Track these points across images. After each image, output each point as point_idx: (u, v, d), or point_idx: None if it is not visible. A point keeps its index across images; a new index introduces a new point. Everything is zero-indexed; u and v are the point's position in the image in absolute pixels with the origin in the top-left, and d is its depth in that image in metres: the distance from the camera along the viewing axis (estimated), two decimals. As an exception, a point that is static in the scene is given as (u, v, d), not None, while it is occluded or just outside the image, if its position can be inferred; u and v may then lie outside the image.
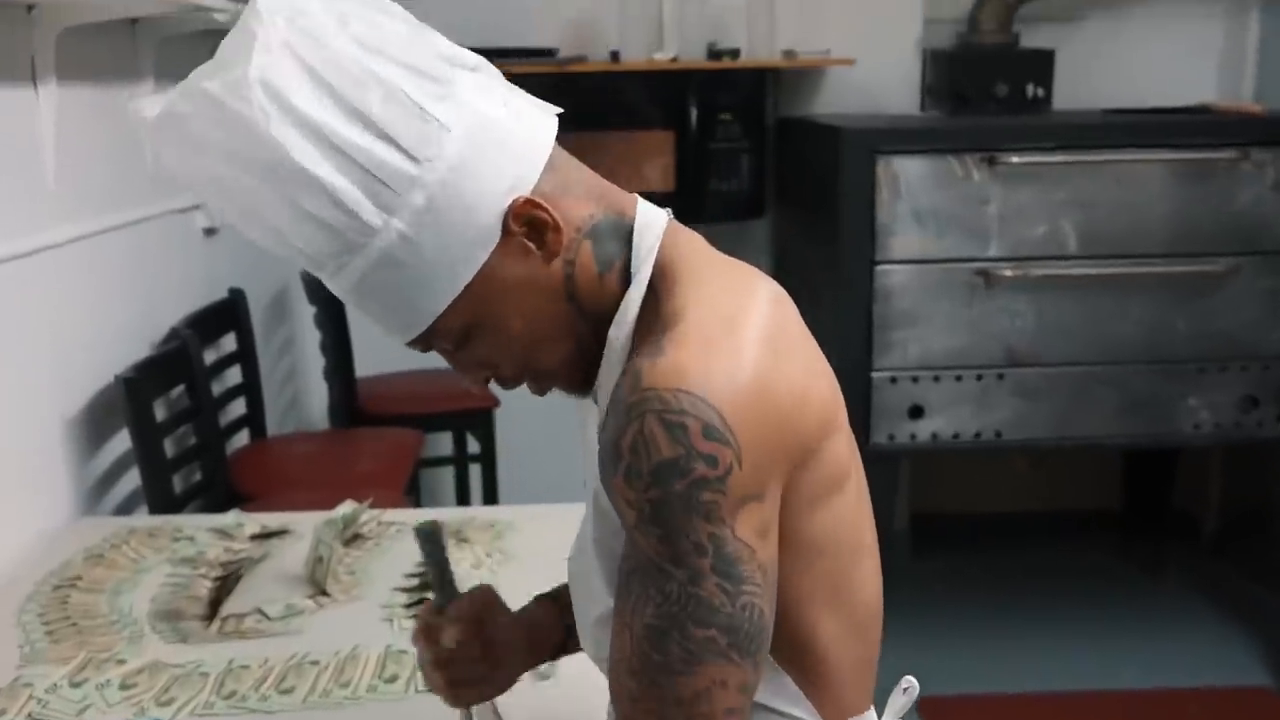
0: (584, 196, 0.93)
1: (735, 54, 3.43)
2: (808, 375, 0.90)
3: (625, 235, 0.94)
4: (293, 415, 3.63)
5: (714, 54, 3.42)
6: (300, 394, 3.69)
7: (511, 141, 0.90)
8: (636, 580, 0.82)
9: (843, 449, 0.93)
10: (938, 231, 2.85)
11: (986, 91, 3.56)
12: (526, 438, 3.76)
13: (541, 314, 0.92)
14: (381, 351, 3.69)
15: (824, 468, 0.89)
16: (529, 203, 0.89)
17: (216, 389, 2.83)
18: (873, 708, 0.99)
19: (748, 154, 3.43)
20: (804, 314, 0.97)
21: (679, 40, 3.48)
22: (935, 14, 3.75)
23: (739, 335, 0.85)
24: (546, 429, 3.72)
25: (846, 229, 2.83)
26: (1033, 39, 3.70)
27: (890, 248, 2.85)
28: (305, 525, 2.01)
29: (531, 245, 0.90)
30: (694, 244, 0.96)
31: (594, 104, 3.36)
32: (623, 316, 0.92)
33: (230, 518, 2.08)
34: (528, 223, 0.89)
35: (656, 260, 0.93)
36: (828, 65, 3.58)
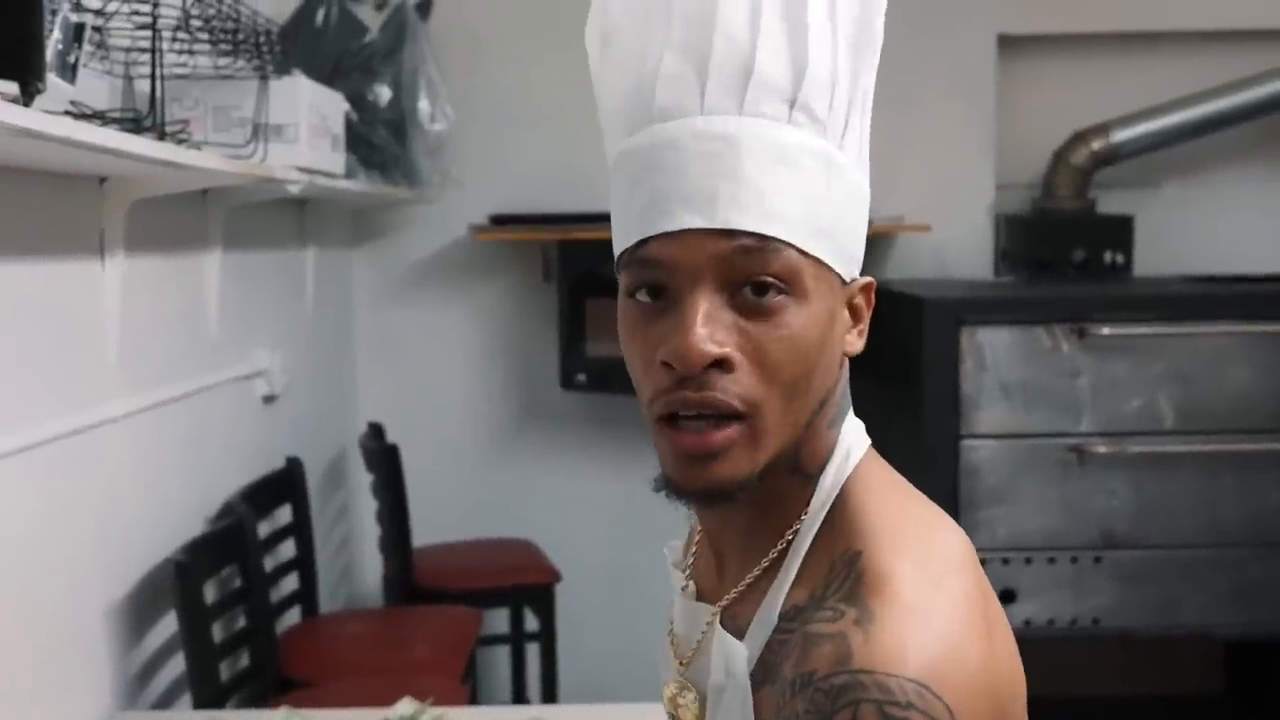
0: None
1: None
2: (1013, 654, 0.78)
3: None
4: (344, 588, 3.49)
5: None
6: (353, 565, 3.56)
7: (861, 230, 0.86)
8: None
9: None
10: (1026, 405, 2.71)
11: (1064, 257, 3.47)
12: (589, 615, 3.60)
13: (815, 381, 0.80)
14: (438, 520, 3.60)
15: None
16: (873, 286, 0.86)
17: (270, 564, 2.72)
18: None
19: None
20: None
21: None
22: (1007, 179, 3.69)
23: (956, 608, 0.74)
24: (609, 607, 3.57)
25: (930, 402, 2.70)
26: (1109, 204, 3.62)
27: (976, 421, 2.71)
28: (361, 723, 1.86)
29: (850, 319, 0.84)
30: (883, 467, 0.86)
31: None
32: (817, 505, 0.81)
33: (280, 715, 1.93)
34: (860, 301, 0.85)
35: (854, 471, 0.83)
36: (902, 231, 3.51)
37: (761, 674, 0.76)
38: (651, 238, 0.78)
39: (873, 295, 0.85)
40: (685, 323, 0.76)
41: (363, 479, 3.29)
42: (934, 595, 0.73)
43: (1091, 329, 2.69)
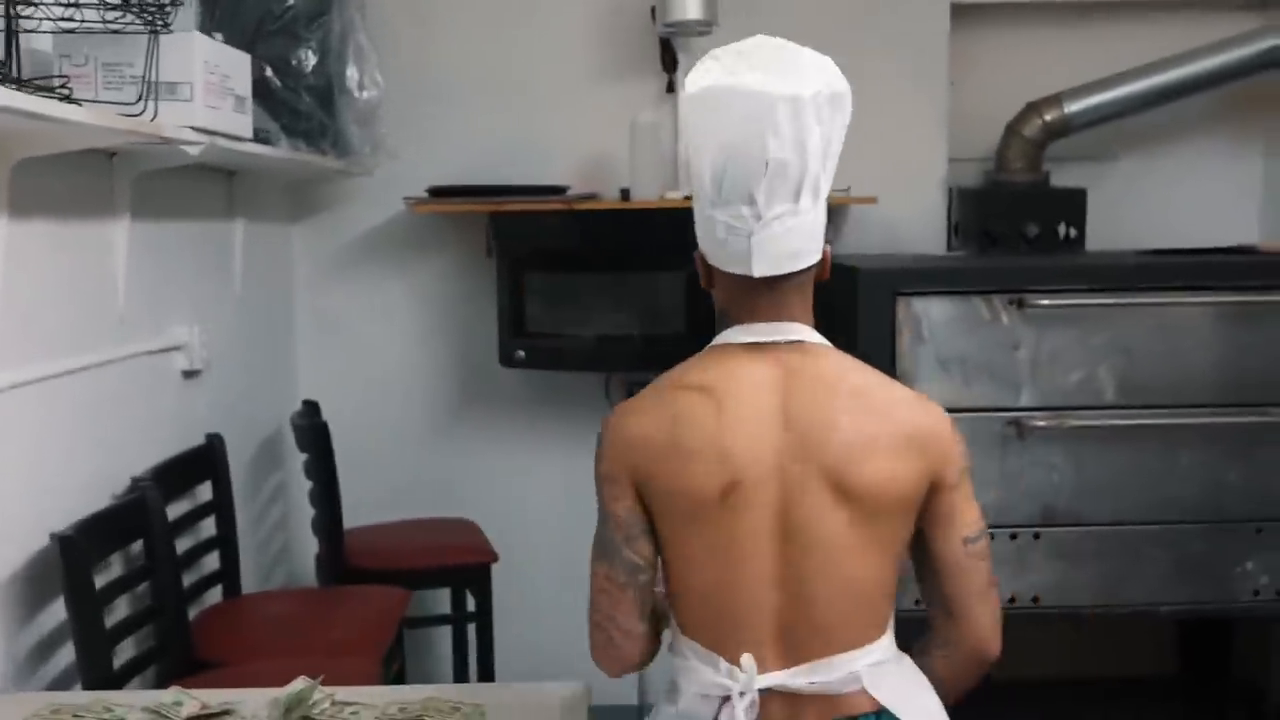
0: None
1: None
2: (667, 438, 1.41)
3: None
4: (282, 568, 3.42)
5: (727, 192, 3.28)
6: (290, 546, 3.48)
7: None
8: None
9: (681, 494, 1.41)
10: (965, 378, 2.64)
11: (1017, 231, 3.40)
12: (530, 595, 3.53)
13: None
14: (377, 499, 3.52)
15: (664, 494, 1.42)
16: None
17: (189, 543, 2.64)
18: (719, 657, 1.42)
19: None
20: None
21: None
22: (960, 152, 3.61)
23: (642, 405, 1.46)
24: (551, 586, 3.50)
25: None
26: (1063, 178, 3.55)
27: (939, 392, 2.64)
28: (253, 704, 1.79)
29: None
30: (713, 358, 1.48)
31: (603, 244, 3.22)
32: None
33: (169, 695, 1.85)
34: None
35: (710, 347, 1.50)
36: (848, 204, 3.44)
37: None
38: None
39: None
40: None
41: (299, 459, 3.22)
42: (650, 392, 1.47)
43: (1030, 300, 2.62)
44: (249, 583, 2.95)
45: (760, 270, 1.41)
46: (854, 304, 2.63)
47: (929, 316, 2.63)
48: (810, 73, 1.39)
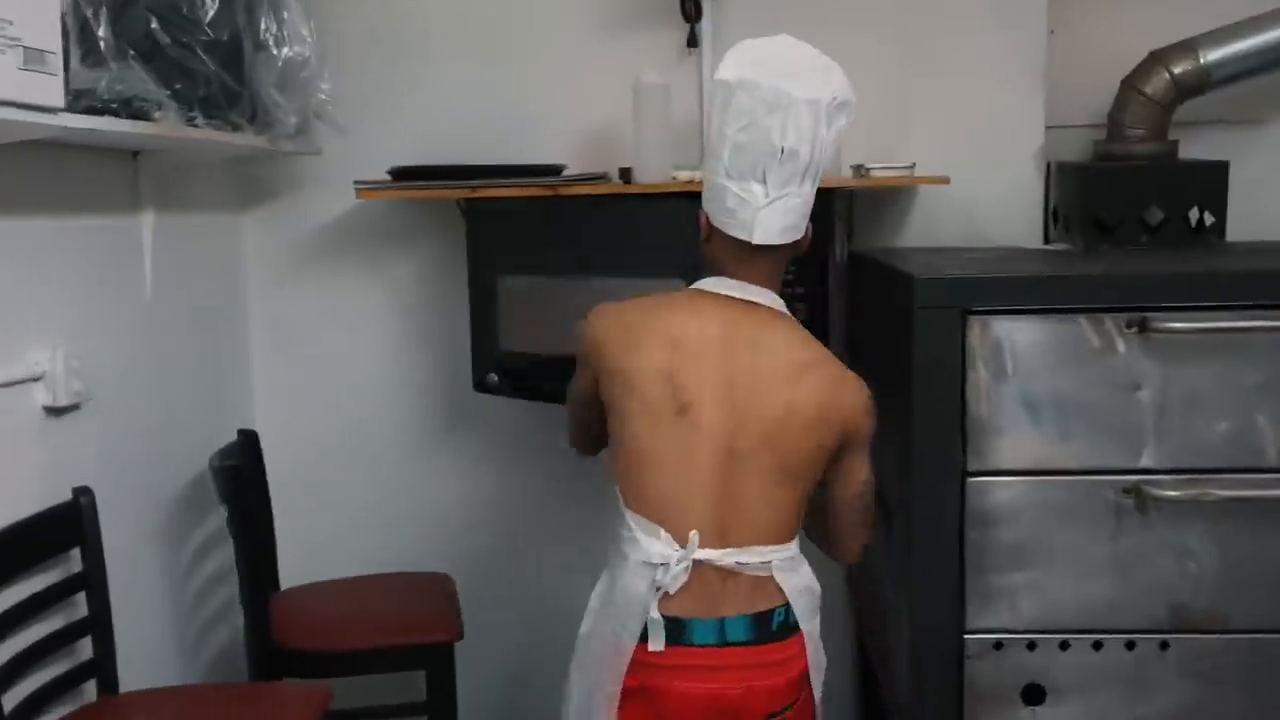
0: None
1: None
2: (625, 345, 1.78)
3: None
4: (210, 649, 2.78)
5: (756, 171, 2.57)
6: (228, 618, 2.84)
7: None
8: None
9: (621, 385, 1.78)
10: (1063, 430, 1.92)
11: (1136, 218, 2.64)
12: (502, 671, 2.90)
13: None
14: (329, 550, 2.92)
15: (623, 388, 1.78)
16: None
17: (44, 629, 2.06)
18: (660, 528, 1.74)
19: (804, 302, 2.55)
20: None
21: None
22: (1060, 118, 2.86)
23: (622, 312, 1.83)
24: (534, 659, 2.86)
25: (923, 422, 1.92)
26: (1196, 148, 2.78)
27: (990, 452, 1.93)
28: None
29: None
30: (689, 295, 1.85)
31: (601, 239, 2.55)
32: None
33: None
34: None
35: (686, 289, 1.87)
36: (913, 185, 2.71)
37: None
38: None
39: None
40: None
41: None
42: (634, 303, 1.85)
43: (1158, 320, 1.87)
44: (154, 672, 2.37)
45: (760, 238, 1.74)
46: (909, 324, 1.92)
47: (1013, 343, 1.90)
48: (829, 80, 1.74)
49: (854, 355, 2.73)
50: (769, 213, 1.71)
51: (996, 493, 1.93)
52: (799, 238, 1.78)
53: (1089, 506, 1.91)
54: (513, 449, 2.95)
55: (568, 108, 2.82)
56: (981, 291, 1.92)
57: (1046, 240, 2.84)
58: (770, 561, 1.73)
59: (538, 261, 2.57)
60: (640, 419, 1.73)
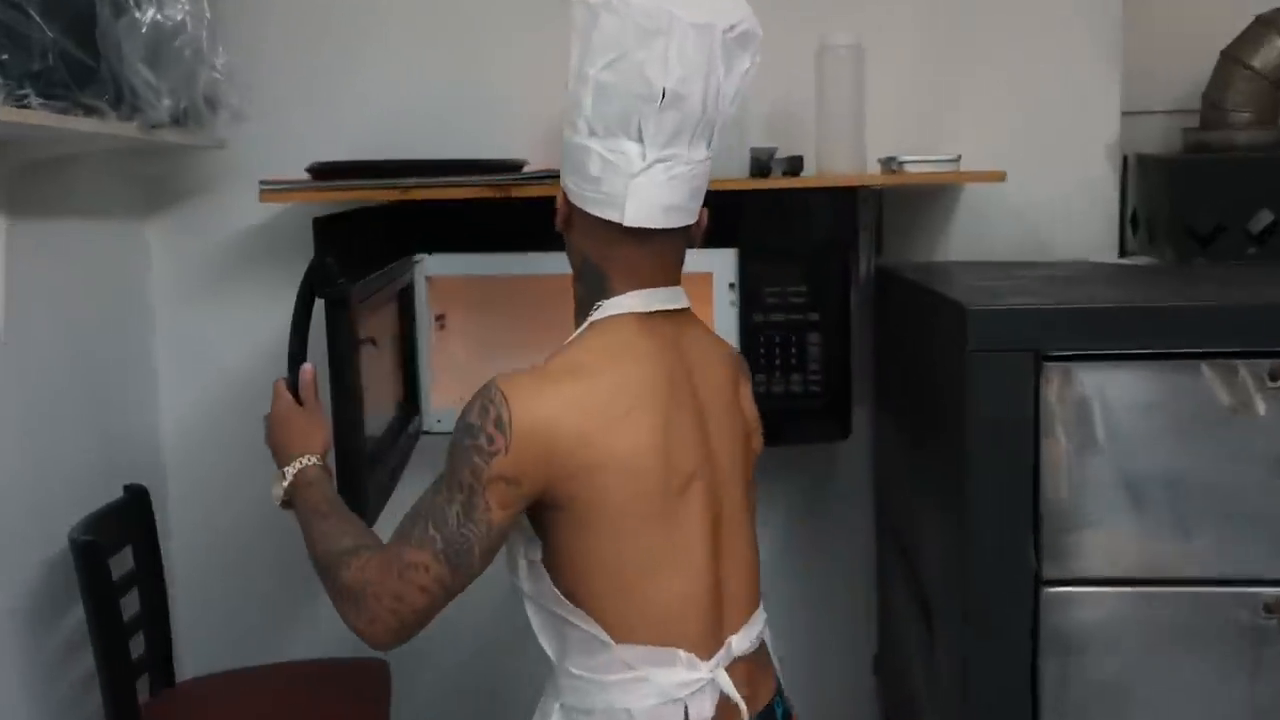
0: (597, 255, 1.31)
1: (797, 166, 2.05)
2: (600, 426, 1.21)
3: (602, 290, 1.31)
4: None
5: (759, 167, 2.04)
6: None
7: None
8: (432, 485, 1.25)
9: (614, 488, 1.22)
10: (1178, 520, 1.38)
11: (1239, 225, 2.10)
12: None
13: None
14: (242, 632, 2.42)
15: (594, 498, 1.22)
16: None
17: None
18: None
19: (819, 332, 2.02)
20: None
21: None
22: (1141, 101, 2.32)
23: (562, 382, 1.22)
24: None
25: (982, 509, 1.38)
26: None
27: (1074, 552, 1.39)
28: None
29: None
30: (612, 332, 1.28)
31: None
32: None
33: None
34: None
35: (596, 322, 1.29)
36: (958, 182, 2.18)
37: None
38: None
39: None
40: None
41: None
42: (557, 373, 1.24)
43: (1311, 370, 1.33)
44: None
45: (632, 219, 1.25)
46: (960, 372, 1.38)
47: (1106, 401, 1.36)
48: (726, 3, 1.27)
49: (881, 402, 2.19)
50: (646, 182, 1.24)
51: (1083, 609, 1.39)
52: (689, 223, 1.31)
53: (1215, 630, 1.37)
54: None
55: (532, 93, 2.30)
56: (1062, 328, 1.38)
57: (1123, 252, 2.30)
58: (762, 630, 1.38)
59: (484, 280, 2.05)
60: (628, 520, 1.23)
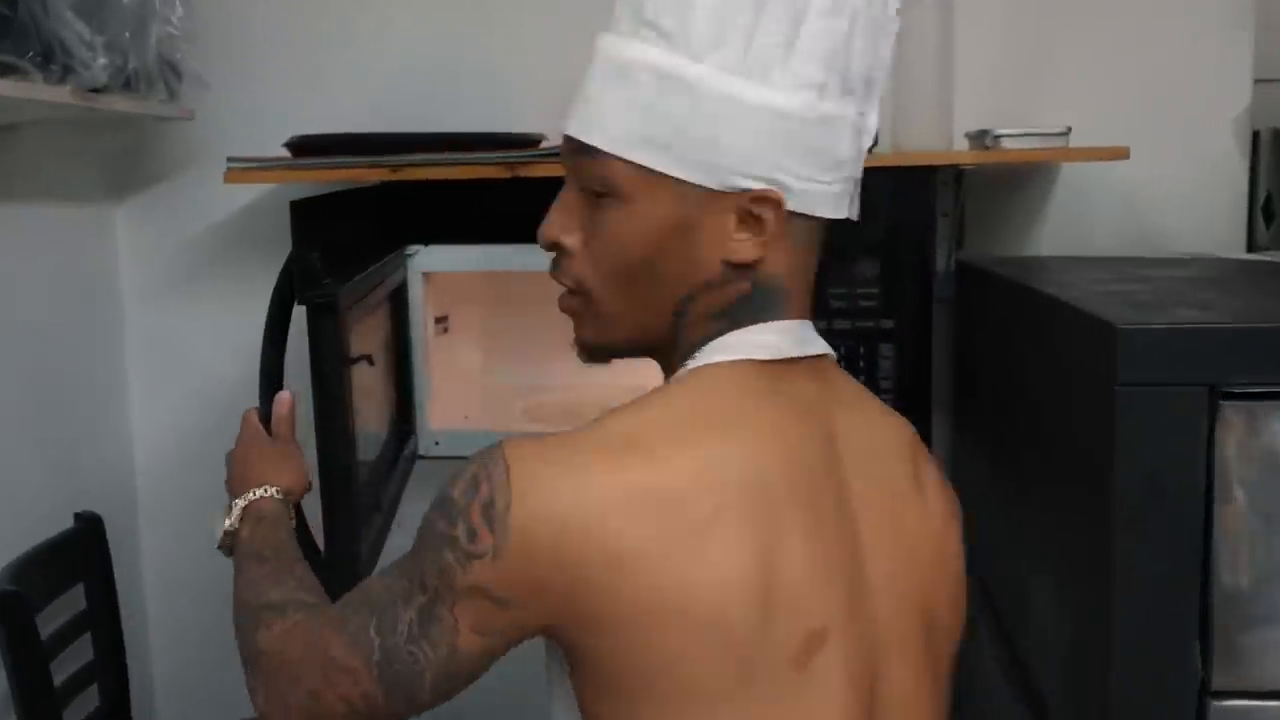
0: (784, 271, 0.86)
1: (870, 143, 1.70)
2: (665, 542, 0.75)
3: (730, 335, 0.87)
4: None
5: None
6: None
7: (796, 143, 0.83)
8: (396, 563, 0.85)
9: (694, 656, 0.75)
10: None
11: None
12: None
13: (660, 275, 0.86)
14: (199, 692, 2.11)
15: (629, 650, 0.75)
16: (768, 196, 0.83)
17: None
18: None
19: (893, 342, 1.67)
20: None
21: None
22: (1274, 69, 1.95)
23: (608, 460, 0.78)
24: None
25: (1129, 593, 1.04)
26: None
27: (1254, 657, 1.04)
28: None
29: (739, 228, 0.84)
30: (730, 383, 0.84)
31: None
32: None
33: None
34: (758, 210, 0.83)
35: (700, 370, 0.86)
36: (1068, 161, 1.82)
37: None
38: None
39: (775, 205, 0.82)
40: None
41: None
42: (598, 429, 0.80)
43: None
44: None
45: (854, 210, 0.89)
46: (1102, 409, 1.03)
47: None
48: None
49: (962, 426, 1.84)
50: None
51: (1269, 731, 1.04)
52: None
53: None
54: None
55: (548, 59, 1.95)
56: (1247, 355, 1.02)
57: (1251, 245, 1.94)
58: None
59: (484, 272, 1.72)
60: (700, 702, 0.76)
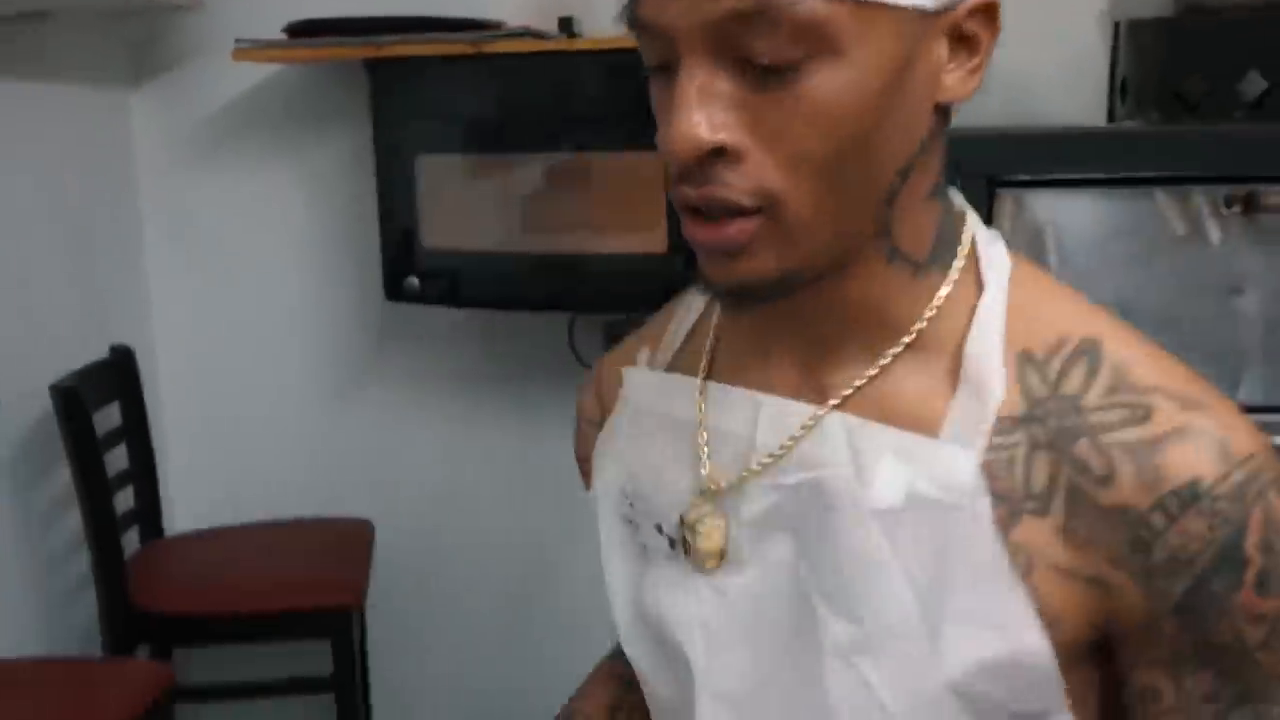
0: None
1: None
2: None
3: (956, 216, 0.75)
4: (75, 615, 2.29)
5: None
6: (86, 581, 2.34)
7: None
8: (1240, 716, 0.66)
9: None
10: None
11: (1230, 89, 2.06)
12: (415, 635, 2.44)
13: (875, 148, 0.66)
14: (232, 491, 2.46)
15: None
16: (993, 5, 0.67)
17: None
18: None
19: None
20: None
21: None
22: (1133, -33, 2.27)
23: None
24: (475, 629, 2.41)
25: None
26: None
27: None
28: None
29: (951, 56, 0.68)
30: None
31: (537, 110, 2.02)
32: (985, 324, 0.70)
33: None
34: (974, 27, 0.67)
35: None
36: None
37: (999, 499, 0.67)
38: None
39: (989, 16, 0.67)
40: (675, 106, 0.64)
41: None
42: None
43: (1269, 195, 1.33)
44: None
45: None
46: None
47: (1059, 227, 1.37)
48: None
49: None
50: None
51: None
52: None
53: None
54: (449, 368, 2.44)
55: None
56: (1018, 156, 1.37)
57: (1111, 119, 2.27)
58: None
59: (462, 136, 2.05)
60: None
